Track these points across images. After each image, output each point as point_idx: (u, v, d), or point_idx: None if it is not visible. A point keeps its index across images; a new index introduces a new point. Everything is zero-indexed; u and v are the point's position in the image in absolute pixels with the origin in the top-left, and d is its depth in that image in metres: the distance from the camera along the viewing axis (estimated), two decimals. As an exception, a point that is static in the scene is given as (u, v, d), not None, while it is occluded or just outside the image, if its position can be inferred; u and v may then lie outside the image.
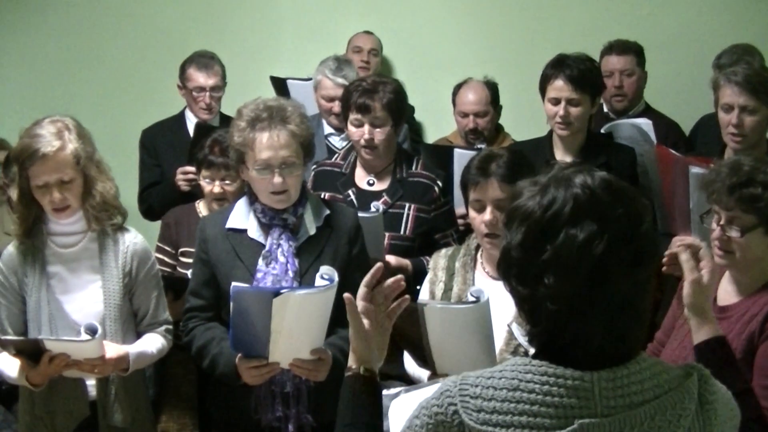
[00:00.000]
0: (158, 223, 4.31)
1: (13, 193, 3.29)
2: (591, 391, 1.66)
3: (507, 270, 1.76)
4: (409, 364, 3.14)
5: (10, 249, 3.31)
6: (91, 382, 3.29)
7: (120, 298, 3.29)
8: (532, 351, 1.78)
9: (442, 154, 4.39)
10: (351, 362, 2.07)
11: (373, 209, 3.86)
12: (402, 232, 3.92)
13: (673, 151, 3.91)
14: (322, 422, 3.20)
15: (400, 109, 4.02)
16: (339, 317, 3.13)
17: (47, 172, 3.14)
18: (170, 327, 3.44)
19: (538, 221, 1.70)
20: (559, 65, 4.01)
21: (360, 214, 3.54)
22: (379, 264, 2.16)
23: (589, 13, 5.97)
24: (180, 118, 5.05)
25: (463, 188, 3.20)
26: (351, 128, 3.99)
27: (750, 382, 2.68)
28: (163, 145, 4.94)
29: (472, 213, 3.14)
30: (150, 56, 6.36)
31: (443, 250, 3.36)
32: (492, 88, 5.03)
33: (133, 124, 5.30)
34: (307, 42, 6.13)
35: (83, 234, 3.29)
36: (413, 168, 4.05)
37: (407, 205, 3.95)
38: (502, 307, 2.92)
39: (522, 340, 2.83)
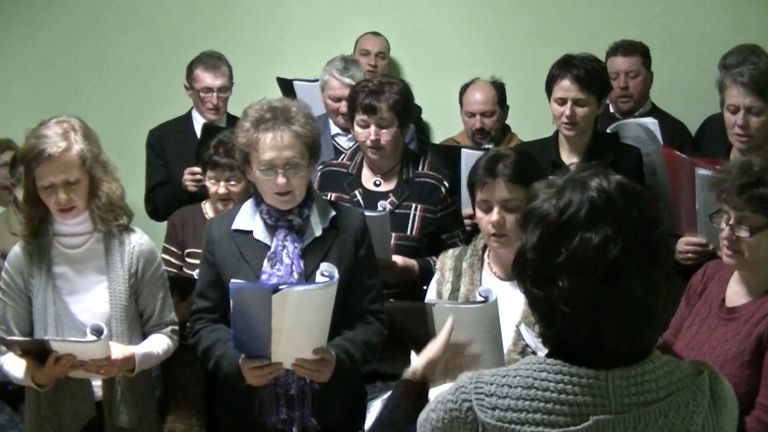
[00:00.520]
0: (165, 224, 4.30)
1: (19, 194, 3.29)
2: (606, 389, 1.69)
3: (521, 272, 1.79)
4: (416, 364, 3.14)
5: (16, 249, 3.30)
6: (97, 383, 3.29)
7: (126, 299, 3.29)
8: (540, 352, 1.79)
9: (449, 154, 4.39)
10: (417, 365, 2.19)
11: (380, 209, 3.86)
12: (408, 233, 3.92)
13: (679, 153, 3.91)
14: (326, 425, 3.20)
15: (406, 110, 4.01)
16: (343, 319, 3.14)
17: (53, 172, 3.13)
18: (176, 328, 3.44)
19: (553, 224, 1.72)
20: (566, 65, 4.01)
21: (366, 214, 3.54)
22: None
23: (595, 14, 5.96)
24: (187, 118, 5.05)
25: (470, 188, 3.20)
26: (357, 129, 3.99)
27: (752, 385, 2.69)
28: (170, 146, 4.94)
29: (479, 213, 3.14)
30: (157, 56, 6.36)
31: (450, 251, 3.36)
32: (499, 88, 5.03)
33: (140, 124, 5.30)
34: (314, 42, 6.13)
35: (89, 235, 3.29)
36: (420, 168, 4.04)
37: (414, 205, 3.95)
38: (510, 308, 2.92)
39: (530, 341, 2.83)
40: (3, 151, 5.27)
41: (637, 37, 5.21)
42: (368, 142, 3.94)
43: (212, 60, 4.95)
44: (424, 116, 5.72)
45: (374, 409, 3.33)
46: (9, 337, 3.16)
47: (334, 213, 3.31)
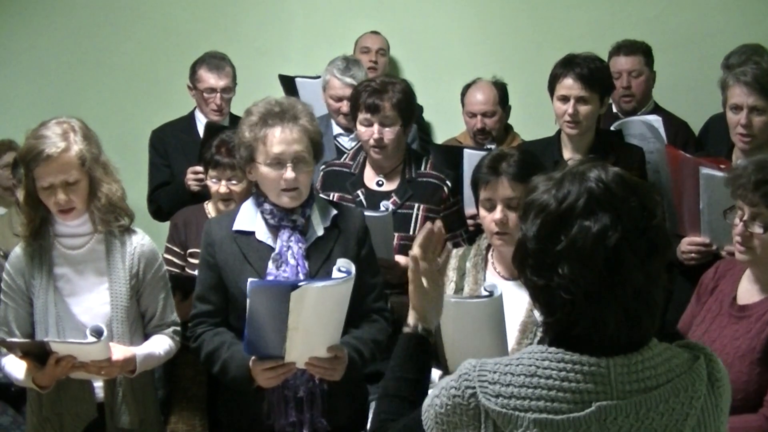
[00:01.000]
0: (167, 224, 4.30)
1: (20, 195, 3.28)
2: (607, 377, 1.72)
3: (522, 261, 1.82)
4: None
5: (17, 251, 3.29)
6: (98, 384, 3.28)
7: (127, 300, 3.28)
8: None
9: (452, 154, 4.39)
10: (410, 320, 2.16)
11: (382, 209, 3.85)
12: (411, 233, 3.91)
13: (683, 152, 3.90)
14: (336, 426, 3.19)
15: (409, 109, 4.02)
16: (351, 317, 3.12)
17: (52, 173, 3.13)
18: (178, 328, 3.43)
19: (553, 213, 1.76)
20: (569, 64, 4.01)
21: (369, 214, 3.53)
22: (429, 225, 2.22)
23: (598, 14, 5.96)
24: (190, 118, 5.05)
25: (474, 187, 3.19)
26: (360, 128, 3.99)
27: (762, 382, 2.68)
28: (172, 146, 4.94)
29: (482, 212, 3.13)
30: (160, 56, 6.36)
31: (454, 251, 3.35)
32: (500, 88, 5.03)
33: (143, 124, 5.31)
34: (316, 42, 6.13)
35: (90, 235, 3.28)
36: (422, 168, 4.04)
37: (416, 205, 3.94)
38: (514, 307, 2.92)
39: None
40: (5, 152, 5.27)
41: (639, 37, 5.21)
42: (371, 141, 3.94)
43: (216, 60, 4.95)
44: (427, 116, 5.72)
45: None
46: (9, 339, 3.15)
47: (335, 212, 3.30)
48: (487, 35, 6.14)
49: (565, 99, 3.98)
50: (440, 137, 5.68)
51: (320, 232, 3.24)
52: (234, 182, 4.00)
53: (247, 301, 2.90)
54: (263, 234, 3.24)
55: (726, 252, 3.51)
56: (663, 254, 1.77)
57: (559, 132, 4.13)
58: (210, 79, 4.88)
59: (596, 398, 1.70)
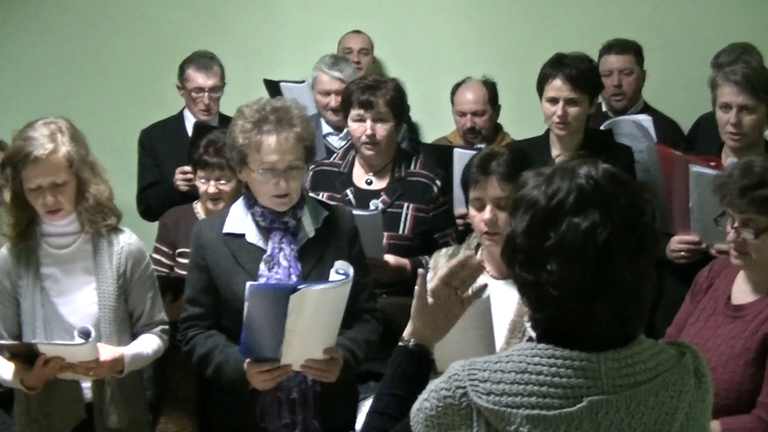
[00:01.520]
0: (156, 224, 4.29)
1: (7, 196, 3.26)
2: (598, 371, 1.72)
3: (511, 256, 1.82)
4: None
5: (3, 251, 3.28)
6: (86, 384, 3.27)
7: (115, 300, 3.27)
8: None
9: (442, 153, 4.38)
10: (405, 334, 2.15)
11: (372, 207, 3.85)
12: (401, 232, 3.91)
13: (674, 150, 3.90)
14: (328, 427, 3.18)
15: (401, 107, 4.04)
16: (343, 317, 3.11)
17: (40, 175, 3.11)
18: (166, 327, 3.42)
19: (542, 209, 1.75)
20: (558, 64, 3.99)
21: (358, 213, 3.53)
22: (469, 252, 2.22)
23: (589, 13, 5.97)
24: (179, 118, 5.04)
25: (464, 186, 3.19)
26: (352, 124, 3.98)
27: (756, 382, 2.69)
28: (162, 146, 4.93)
29: (472, 211, 3.13)
30: (150, 56, 6.35)
31: (443, 250, 3.35)
32: (490, 87, 5.02)
33: (133, 124, 5.29)
34: (307, 43, 6.12)
35: (77, 235, 3.27)
36: (412, 167, 4.04)
37: (406, 204, 3.94)
38: (503, 306, 2.91)
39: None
40: (-6, 153, 5.24)
41: (629, 36, 5.21)
42: (364, 137, 3.94)
43: (204, 60, 4.94)
44: (417, 116, 5.71)
45: (365, 408, 3.31)
46: (-2, 341, 3.14)
47: (326, 213, 3.29)
48: (477, 34, 6.15)
49: (554, 100, 3.97)
50: (430, 136, 5.67)
51: (312, 234, 3.23)
52: (223, 182, 3.99)
53: (245, 303, 2.87)
54: (254, 236, 3.22)
55: (716, 250, 3.51)
56: (652, 252, 1.77)
57: (548, 131, 4.12)
58: (198, 78, 4.87)
59: (587, 393, 1.71)
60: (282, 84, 5.12)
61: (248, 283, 2.91)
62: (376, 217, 3.72)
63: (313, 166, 4.10)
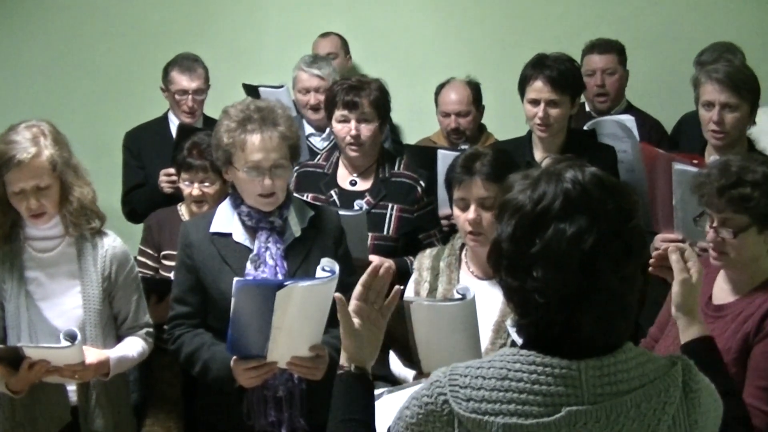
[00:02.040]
0: (141, 226, 4.28)
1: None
2: (578, 380, 1.69)
3: (497, 262, 1.79)
4: (395, 364, 3.13)
5: (-13, 255, 3.27)
6: (72, 388, 3.26)
7: (100, 303, 3.26)
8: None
9: (425, 155, 4.38)
10: (342, 361, 2.08)
11: (357, 208, 3.85)
12: (385, 233, 3.91)
13: (657, 148, 3.91)
14: (315, 425, 3.17)
15: (385, 107, 4.04)
16: (330, 317, 3.11)
17: (23, 178, 3.10)
18: (151, 329, 3.42)
19: (528, 215, 1.73)
20: (539, 66, 3.97)
21: (344, 213, 3.53)
22: (374, 263, 2.16)
23: (571, 13, 5.98)
24: (163, 120, 5.02)
25: (448, 187, 3.19)
26: (336, 125, 3.98)
27: (738, 382, 2.68)
28: (146, 148, 4.91)
29: (456, 211, 3.14)
30: (134, 58, 6.32)
31: (428, 251, 3.36)
32: (474, 87, 5.02)
33: (117, 126, 5.27)
34: (291, 45, 6.09)
35: (61, 238, 3.26)
36: (396, 168, 4.04)
37: (390, 205, 3.94)
38: (488, 307, 2.92)
39: (517, 338, 2.83)
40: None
41: (612, 36, 5.22)
42: (348, 138, 3.94)
43: (188, 62, 4.93)
44: (400, 116, 5.70)
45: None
46: (-18, 345, 3.13)
47: (312, 213, 3.31)
48: (460, 35, 6.15)
49: (535, 102, 3.96)
50: (414, 137, 5.67)
51: (298, 233, 3.25)
52: (207, 184, 3.99)
53: (232, 300, 2.89)
54: (240, 235, 3.24)
55: (699, 248, 3.52)
56: (638, 256, 1.75)
57: (530, 132, 4.11)
58: (182, 80, 4.86)
59: (567, 401, 1.68)
60: (261, 89, 5.11)
61: (235, 279, 2.93)
62: (361, 218, 3.72)
63: (297, 168, 4.10)
